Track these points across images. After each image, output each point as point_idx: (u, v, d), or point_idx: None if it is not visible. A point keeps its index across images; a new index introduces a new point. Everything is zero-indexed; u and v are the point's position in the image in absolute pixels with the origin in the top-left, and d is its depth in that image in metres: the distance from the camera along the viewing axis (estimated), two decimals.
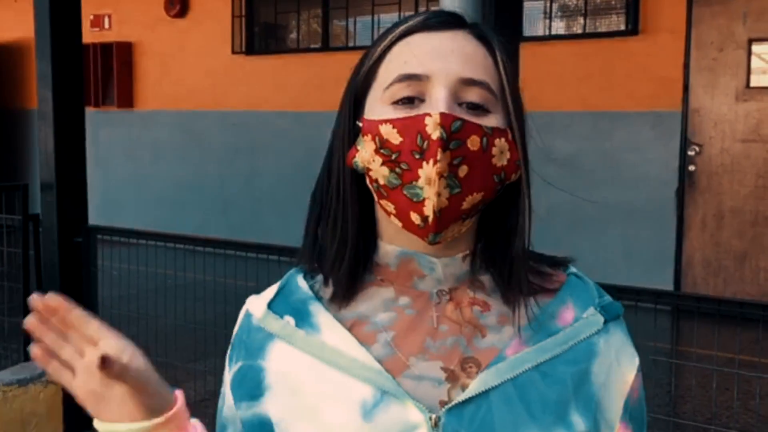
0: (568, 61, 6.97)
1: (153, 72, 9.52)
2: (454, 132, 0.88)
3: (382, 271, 0.98)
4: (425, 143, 0.88)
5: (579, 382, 0.94)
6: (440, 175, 0.87)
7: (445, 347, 0.94)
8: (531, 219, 0.97)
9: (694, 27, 6.51)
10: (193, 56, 9.14)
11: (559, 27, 7.24)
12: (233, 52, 8.86)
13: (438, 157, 0.87)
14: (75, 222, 4.21)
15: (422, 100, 0.91)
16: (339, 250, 0.97)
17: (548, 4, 7.20)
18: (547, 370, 0.93)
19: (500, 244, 0.97)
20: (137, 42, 9.61)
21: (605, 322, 0.97)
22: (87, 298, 4.19)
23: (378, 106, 0.93)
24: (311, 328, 0.97)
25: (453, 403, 0.90)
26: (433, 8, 1.01)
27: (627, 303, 2.69)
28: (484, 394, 0.90)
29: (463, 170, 0.89)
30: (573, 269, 1.02)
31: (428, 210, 0.89)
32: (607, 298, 1.01)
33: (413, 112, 0.90)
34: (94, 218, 4.47)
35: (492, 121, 0.92)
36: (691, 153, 6.60)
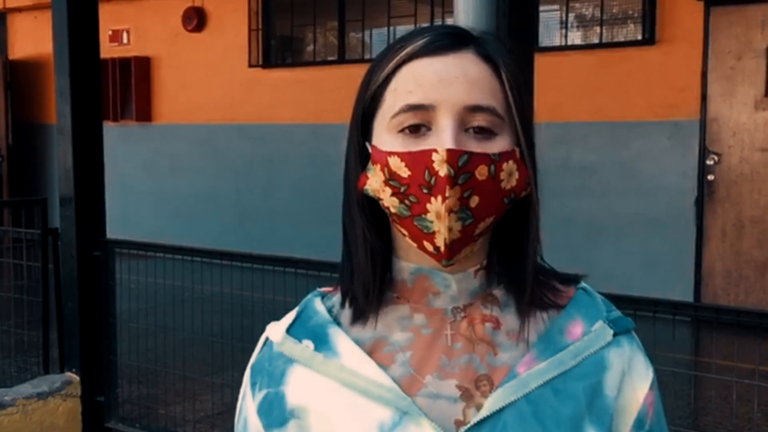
0: (584, 71, 6.96)
1: (171, 86, 9.59)
2: (461, 167, 0.88)
3: (398, 288, 0.99)
4: (433, 179, 0.88)
5: (592, 395, 0.94)
6: (450, 211, 0.88)
7: (460, 365, 0.95)
8: (539, 231, 0.97)
9: (711, 35, 6.48)
10: (210, 70, 9.19)
11: (575, 37, 7.23)
12: (250, 65, 8.91)
13: (447, 194, 0.88)
14: (93, 236, 4.24)
15: (429, 129, 0.91)
16: (353, 271, 0.98)
17: (564, 14, 7.19)
18: (559, 385, 0.93)
19: (512, 257, 0.98)
20: (155, 56, 9.68)
21: (615, 335, 0.97)
22: (105, 312, 4.21)
23: (385, 134, 0.93)
24: (330, 352, 0.97)
25: (469, 425, 0.91)
26: (437, 24, 1.00)
27: (645, 314, 2.67)
28: (498, 413, 0.91)
29: (474, 201, 0.89)
30: (583, 284, 1.02)
31: (439, 242, 0.90)
32: (616, 312, 1.00)
33: (420, 145, 0.90)
34: (112, 232, 4.50)
35: (499, 144, 0.92)
36: (709, 162, 6.55)
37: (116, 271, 4.27)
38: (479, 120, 0.91)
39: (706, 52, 6.50)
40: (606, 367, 0.95)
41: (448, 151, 0.87)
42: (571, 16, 7.21)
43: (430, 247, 0.91)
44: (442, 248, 0.90)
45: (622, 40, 6.95)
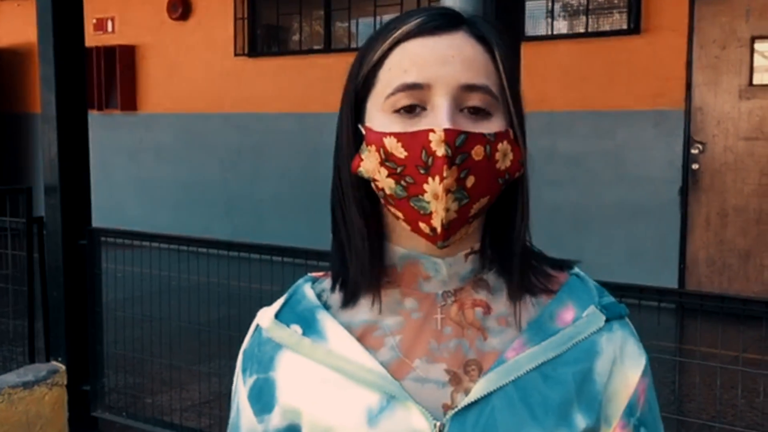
0: (570, 60, 6.97)
1: (156, 75, 9.54)
2: (458, 147, 0.88)
3: (388, 272, 0.98)
4: (430, 159, 0.88)
5: (581, 381, 0.94)
6: (447, 191, 0.88)
7: (449, 350, 0.95)
8: (528, 213, 0.97)
9: (696, 25, 6.51)
10: (195, 59, 9.15)
11: (561, 26, 7.25)
12: (236, 54, 8.87)
13: (444, 174, 0.87)
14: (79, 225, 4.22)
15: (424, 108, 0.91)
16: (343, 255, 0.98)
17: (550, 4, 7.20)
18: (548, 371, 0.93)
19: (503, 241, 0.97)
20: (140, 45, 9.63)
21: (607, 321, 0.97)
22: (91, 301, 4.20)
23: (379, 115, 0.93)
24: (317, 336, 0.98)
25: (456, 409, 0.91)
26: (428, 6, 1.00)
27: (630, 301, 2.70)
28: (486, 397, 0.91)
29: (470, 181, 0.89)
30: (576, 270, 1.02)
31: (436, 222, 0.90)
32: (609, 298, 1.00)
33: (416, 124, 0.90)
34: (97, 221, 4.48)
35: (494, 124, 0.92)
36: (694, 151, 6.59)
37: (102, 260, 4.26)
38: (474, 99, 0.91)
39: (691, 42, 6.53)
40: (597, 352, 0.95)
41: (446, 131, 0.87)
42: (557, 5, 7.22)
43: (426, 229, 0.91)
44: (439, 229, 0.90)
45: (608, 29, 6.97)
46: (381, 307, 0.97)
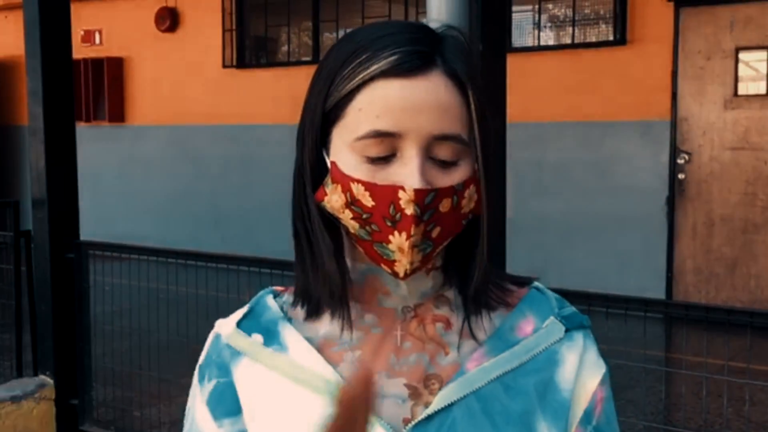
0: (556, 71, 7.02)
1: (144, 87, 9.53)
2: (427, 204, 0.88)
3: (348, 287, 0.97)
4: (398, 215, 0.88)
5: (543, 391, 0.94)
6: (413, 246, 0.88)
7: (408, 365, 0.95)
8: (488, 233, 0.97)
9: (681, 36, 6.57)
10: (184, 70, 9.15)
11: (547, 37, 7.29)
12: (224, 65, 8.88)
13: (412, 232, 0.87)
14: (67, 238, 4.21)
15: (394, 155, 0.90)
16: (305, 272, 0.97)
17: (536, 15, 7.24)
18: (509, 381, 0.93)
19: (462, 259, 0.97)
20: (128, 57, 9.62)
21: (567, 331, 0.97)
22: (79, 314, 4.19)
23: (347, 153, 0.91)
24: (279, 347, 0.97)
25: (416, 420, 0.91)
26: (401, 26, 0.97)
27: (617, 312, 2.71)
28: (446, 409, 0.91)
29: (436, 231, 0.89)
30: (536, 284, 1.03)
31: (399, 270, 0.90)
32: (570, 308, 1.00)
33: (385, 171, 0.89)
34: (85, 234, 4.47)
35: (461, 172, 0.91)
36: (680, 161, 6.63)
37: (90, 273, 4.24)
38: (445, 151, 0.90)
39: (677, 53, 6.58)
40: (558, 361, 0.96)
41: (416, 191, 0.87)
42: (544, 16, 7.26)
43: (388, 270, 0.91)
44: (401, 275, 0.90)
45: (594, 40, 7.02)
46: (348, 320, 0.96)
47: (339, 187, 0.91)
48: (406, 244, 0.88)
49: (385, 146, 0.89)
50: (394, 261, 0.90)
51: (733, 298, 6.45)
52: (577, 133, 6.99)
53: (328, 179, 0.93)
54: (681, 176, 6.64)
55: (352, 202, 0.90)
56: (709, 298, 6.55)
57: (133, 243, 4.79)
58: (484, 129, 0.94)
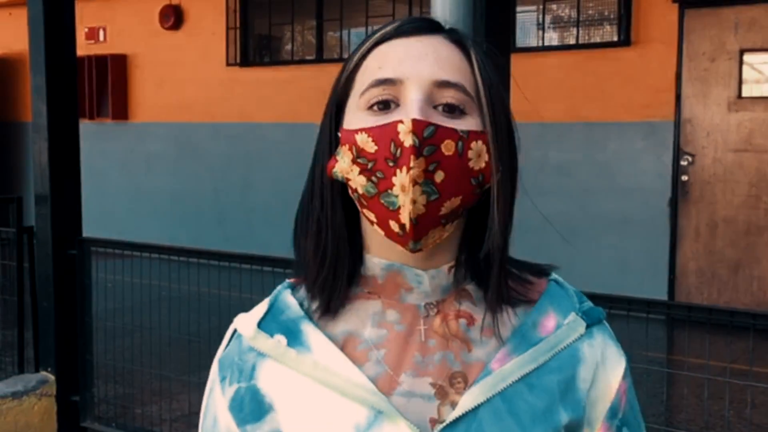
0: (560, 71, 7.01)
1: (148, 84, 9.53)
2: (427, 138, 0.87)
3: (370, 283, 0.97)
4: (398, 150, 0.87)
5: (565, 389, 0.94)
6: (414, 182, 0.87)
7: (434, 363, 0.94)
8: (509, 224, 0.96)
9: (685, 37, 6.55)
10: (187, 68, 9.15)
11: (552, 38, 7.28)
12: (228, 64, 8.88)
13: (411, 164, 0.86)
14: (69, 234, 4.22)
15: (397, 104, 0.90)
16: (321, 261, 0.96)
17: (541, 16, 7.23)
18: (533, 380, 0.93)
19: (480, 252, 0.96)
20: (132, 54, 9.62)
21: (588, 327, 0.97)
22: (81, 311, 4.19)
23: (355, 114, 0.93)
24: (303, 348, 0.96)
25: (444, 424, 0.91)
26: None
27: (619, 312, 2.71)
28: (473, 411, 0.91)
29: (439, 176, 0.88)
30: (554, 276, 1.02)
31: (404, 218, 0.88)
32: (588, 303, 1.00)
33: (387, 118, 0.89)
34: (88, 230, 4.47)
35: (468, 123, 0.91)
36: (683, 163, 6.62)
37: (92, 270, 4.24)
38: (448, 96, 0.90)
39: (681, 54, 6.57)
40: (580, 359, 0.96)
41: (414, 121, 0.86)
42: (548, 17, 7.25)
43: (395, 227, 0.89)
44: (407, 224, 0.88)
45: (598, 41, 7.01)
46: (348, 318, 0.96)
47: (346, 146, 0.92)
48: (406, 179, 0.87)
49: (387, 94, 0.91)
50: (399, 209, 0.88)
51: (736, 300, 6.44)
52: (580, 134, 6.98)
53: (338, 148, 0.94)
54: (684, 178, 6.63)
55: (357, 155, 0.90)
56: (711, 299, 6.54)
57: (136, 240, 4.79)
58: (491, 92, 0.94)
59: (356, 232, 0.97)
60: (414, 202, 0.87)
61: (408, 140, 0.86)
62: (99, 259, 4.36)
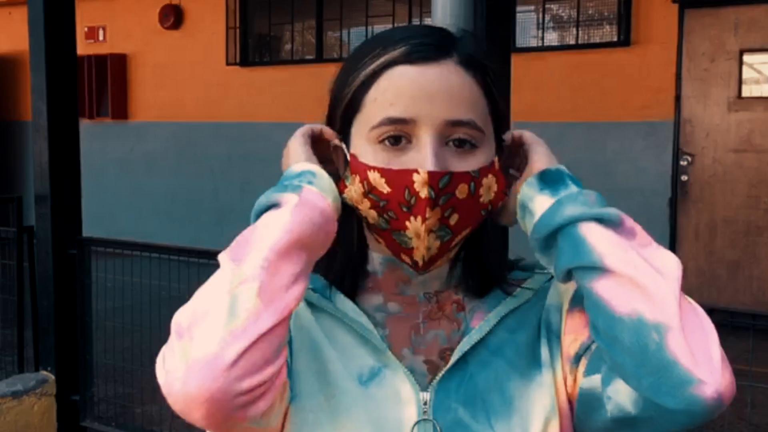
0: (560, 71, 7.01)
1: (147, 84, 9.53)
2: (442, 188, 0.88)
3: (371, 278, 1.01)
4: (413, 199, 0.89)
5: (541, 318, 0.99)
6: (429, 231, 0.89)
7: (426, 342, 0.99)
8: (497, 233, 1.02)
9: (685, 37, 6.55)
10: (187, 68, 9.15)
11: (551, 38, 7.28)
12: (227, 63, 8.88)
13: (427, 215, 0.88)
14: (69, 234, 4.21)
15: (409, 141, 0.91)
16: (333, 262, 1.00)
17: (541, 16, 7.24)
18: (512, 323, 0.98)
19: (478, 247, 1.01)
20: (132, 54, 9.62)
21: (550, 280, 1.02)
22: (81, 310, 4.19)
23: (364, 144, 0.93)
24: (330, 301, 1.00)
25: (438, 378, 0.95)
26: (417, 26, 0.99)
27: None
28: (463, 367, 0.95)
29: (453, 218, 0.90)
30: (544, 271, 1.07)
31: (418, 257, 0.92)
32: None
33: (400, 158, 0.90)
34: (88, 230, 4.47)
35: (479, 158, 0.92)
36: (683, 163, 6.63)
37: (92, 270, 4.24)
38: (459, 133, 0.91)
39: (680, 54, 6.57)
40: (547, 293, 1.01)
41: (430, 173, 0.88)
42: (548, 17, 7.26)
43: (407, 260, 0.94)
44: (420, 263, 0.93)
45: (598, 41, 7.01)
46: (364, 307, 1.00)
47: (357, 178, 0.93)
48: (422, 229, 0.89)
49: (399, 132, 0.91)
50: (412, 249, 0.91)
51: (736, 300, 6.44)
52: (579, 134, 6.98)
53: (348, 172, 0.95)
54: (684, 178, 6.63)
55: (369, 191, 0.92)
56: (710, 300, 6.53)
57: (136, 239, 4.79)
58: (501, 115, 0.97)
59: (361, 231, 1.01)
60: (428, 248, 0.91)
61: (423, 192, 0.88)
62: (99, 259, 4.36)
